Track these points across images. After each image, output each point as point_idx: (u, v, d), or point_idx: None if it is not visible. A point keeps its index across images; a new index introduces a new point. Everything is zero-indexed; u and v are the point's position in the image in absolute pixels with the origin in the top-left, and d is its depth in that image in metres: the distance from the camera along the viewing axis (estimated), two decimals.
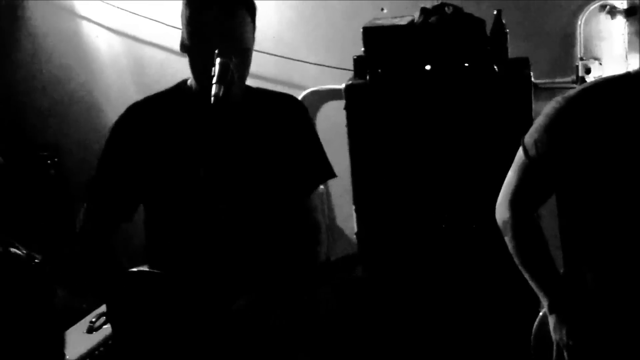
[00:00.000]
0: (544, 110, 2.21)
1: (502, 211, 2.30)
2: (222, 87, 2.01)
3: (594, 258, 2.22)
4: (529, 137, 2.21)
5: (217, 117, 2.02)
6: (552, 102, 2.20)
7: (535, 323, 2.41)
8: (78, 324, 3.75)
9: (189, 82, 2.30)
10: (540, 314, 2.38)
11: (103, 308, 3.83)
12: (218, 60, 2.05)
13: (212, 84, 2.01)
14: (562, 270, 2.31)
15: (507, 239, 2.31)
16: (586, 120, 2.10)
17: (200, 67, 2.16)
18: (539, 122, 2.21)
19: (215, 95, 1.99)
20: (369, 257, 3.39)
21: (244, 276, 2.25)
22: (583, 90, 2.18)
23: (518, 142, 3.08)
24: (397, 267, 3.39)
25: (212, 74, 2.04)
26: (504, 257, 3.12)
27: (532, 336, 2.42)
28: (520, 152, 2.24)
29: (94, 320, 3.73)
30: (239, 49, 2.15)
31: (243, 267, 2.27)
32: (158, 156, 2.26)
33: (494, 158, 3.18)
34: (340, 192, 3.93)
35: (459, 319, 3.37)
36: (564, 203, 2.27)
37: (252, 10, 2.22)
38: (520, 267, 2.31)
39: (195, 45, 2.16)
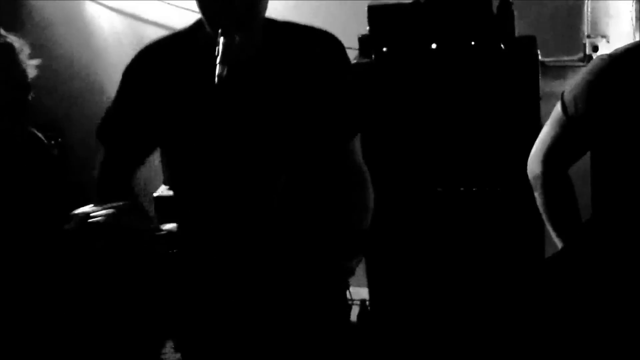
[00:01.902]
0: (587, 67, 2.18)
1: (534, 166, 2.28)
2: (226, 67, 1.93)
3: (625, 217, 2.18)
4: (569, 94, 2.17)
5: (223, 96, 1.96)
6: (595, 59, 2.18)
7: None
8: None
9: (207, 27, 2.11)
10: None
11: None
12: (221, 39, 1.98)
13: (215, 64, 1.94)
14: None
15: (536, 193, 2.29)
16: (629, 80, 2.06)
17: (207, 13, 2.04)
18: (580, 78, 2.17)
19: (219, 76, 1.92)
20: (371, 242, 3.37)
21: (281, 230, 2.16)
22: (627, 50, 2.14)
23: (525, 121, 3.11)
24: (400, 255, 3.37)
25: (216, 53, 1.96)
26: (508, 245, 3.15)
27: None
28: (557, 108, 2.21)
29: None
30: (254, 19, 2.04)
31: (280, 220, 2.16)
32: (173, 101, 2.14)
33: (502, 137, 3.17)
34: None
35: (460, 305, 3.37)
36: (599, 162, 2.23)
37: None
38: (547, 223, 2.29)
39: (207, 14, 2.04)
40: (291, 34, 2.19)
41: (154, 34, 4.09)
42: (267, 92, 2.13)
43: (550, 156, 2.24)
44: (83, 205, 2.18)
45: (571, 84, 2.20)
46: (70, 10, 4.35)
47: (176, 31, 2.23)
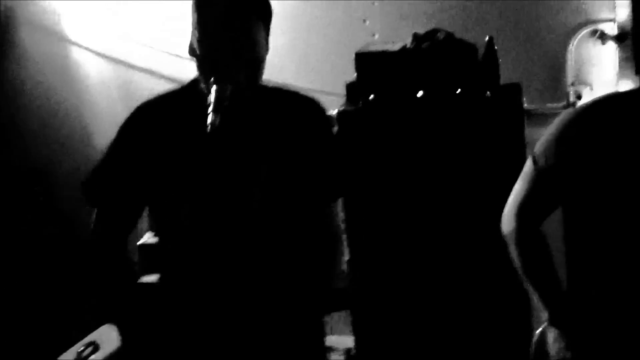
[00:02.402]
0: (555, 120, 2.20)
1: (508, 222, 2.28)
2: (219, 115, 1.97)
3: (598, 273, 2.20)
4: (538, 148, 2.19)
5: (214, 145, 1.99)
6: (563, 113, 2.19)
7: (535, 336, 2.38)
8: (66, 353, 3.72)
9: (201, 84, 2.18)
10: (541, 328, 2.35)
11: (90, 337, 3.81)
12: (214, 87, 2.01)
13: (208, 113, 1.98)
14: (565, 285, 2.30)
15: (511, 249, 2.28)
16: (596, 132, 2.09)
17: (207, 66, 2.08)
18: (549, 132, 2.20)
19: (212, 124, 1.96)
20: (360, 284, 3.36)
21: (260, 283, 2.20)
22: (595, 102, 2.18)
23: (511, 168, 3.11)
24: (388, 293, 3.36)
25: (208, 102, 2.00)
26: (495, 285, 3.15)
27: (531, 349, 2.39)
28: (529, 162, 2.22)
29: (81, 349, 3.69)
30: (247, 44, 2.08)
31: (260, 273, 2.21)
32: (167, 160, 2.17)
33: (486, 184, 3.18)
34: None
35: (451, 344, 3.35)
36: (571, 215, 2.24)
37: (264, 14, 2.16)
38: (523, 279, 2.29)
39: (203, 42, 2.08)
40: (280, 97, 2.27)
41: (141, 79, 4.19)
42: (255, 148, 2.18)
43: (523, 212, 2.24)
44: (69, 247, 2.23)
45: (541, 138, 2.22)
46: (56, 54, 4.36)
47: (169, 90, 2.28)
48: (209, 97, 2.01)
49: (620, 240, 2.14)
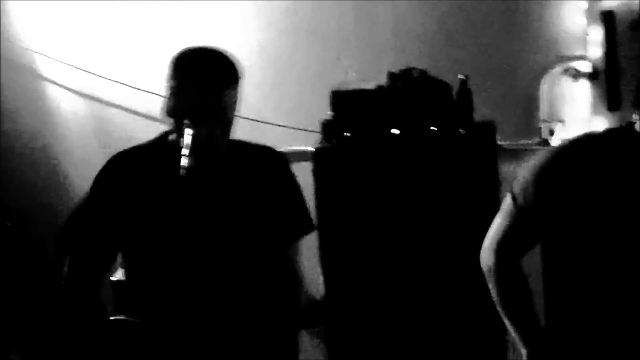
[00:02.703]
0: (534, 159, 2.22)
1: (486, 257, 2.28)
2: (193, 159, 2.00)
3: (576, 309, 2.21)
4: (517, 186, 2.21)
5: (188, 188, 2.01)
6: (542, 152, 2.21)
7: None
8: None
9: (170, 136, 2.26)
10: None
11: None
12: (188, 130, 2.05)
13: (181, 155, 2.01)
14: (543, 321, 2.31)
15: (490, 285, 2.29)
16: (574, 172, 2.11)
17: (180, 115, 2.14)
18: (527, 171, 2.21)
19: (186, 168, 2.00)
20: (335, 321, 3.35)
21: (224, 324, 2.25)
22: (571, 142, 2.20)
23: (485, 203, 3.15)
24: (365, 332, 3.35)
25: (181, 145, 2.04)
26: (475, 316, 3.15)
27: None
28: (507, 199, 2.23)
29: None
30: (221, 121, 2.17)
31: (223, 315, 2.25)
32: (140, 207, 2.24)
33: (461, 220, 3.19)
34: (307, 255, 3.91)
35: None
36: (550, 252, 2.25)
37: (236, 80, 2.23)
38: (502, 315, 2.29)
39: (178, 98, 2.15)
40: (242, 147, 2.35)
41: (115, 115, 4.18)
42: (223, 194, 2.25)
43: (502, 248, 2.25)
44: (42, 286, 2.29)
45: (520, 175, 2.24)
46: (31, 91, 4.34)
47: (141, 143, 2.35)
48: (181, 140, 2.05)
49: (598, 276, 2.16)
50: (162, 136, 2.32)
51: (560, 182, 2.13)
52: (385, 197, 3.25)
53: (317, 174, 3.27)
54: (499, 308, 2.30)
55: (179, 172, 2.05)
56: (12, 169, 4.42)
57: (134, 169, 2.28)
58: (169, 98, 2.19)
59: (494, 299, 2.30)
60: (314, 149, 3.28)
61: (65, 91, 4.32)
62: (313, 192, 3.27)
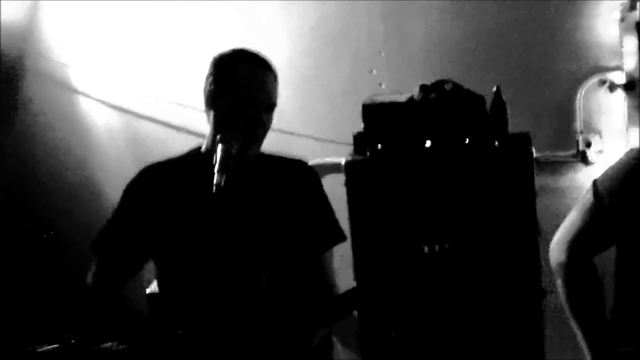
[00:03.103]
0: (620, 159, 2.19)
1: (558, 253, 2.24)
2: (224, 175, 2.02)
3: None
4: (603, 184, 2.17)
5: (219, 204, 2.02)
6: (630, 153, 2.18)
7: None
8: None
9: (202, 148, 2.34)
10: None
11: None
12: (220, 146, 2.07)
13: (214, 172, 2.03)
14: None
15: (559, 281, 2.24)
16: None
17: (231, 116, 2.22)
18: (615, 170, 2.18)
19: (217, 185, 2.02)
20: (371, 335, 3.33)
21: (256, 336, 2.24)
22: None
23: (521, 217, 3.10)
24: (399, 345, 3.32)
25: (214, 161, 2.07)
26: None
27: None
28: (589, 196, 2.20)
29: None
30: (269, 103, 2.28)
31: (255, 326, 2.26)
32: (171, 221, 2.29)
33: (497, 234, 3.15)
34: (339, 266, 3.89)
35: None
36: (626, 252, 2.20)
37: (276, 75, 2.35)
38: (568, 314, 2.24)
39: (230, 95, 2.23)
40: (273, 160, 2.43)
41: (148, 129, 4.19)
42: (255, 206, 2.31)
43: (576, 244, 2.20)
44: (75, 294, 2.31)
45: (605, 175, 2.19)
46: (64, 105, 4.37)
47: (176, 155, 2.42)
48: (214, 157, 2.08)
49: None
50: (194, 149, 2.36)
51: None
52: (419, 210, 3.21)
53: (349, 186, 3.25)
54: (566, 307, 2.23)
55: (211, 188, 2.07)
56: (47, 182, 4.45)
57: (164, 181, 2.33)
58: (209, 88, 2.27)
59: (561, 297, 2.24)
60: (346, 161, 3.26)
61: (99, 104, 4.33)
62: (346, 204, 3.26)
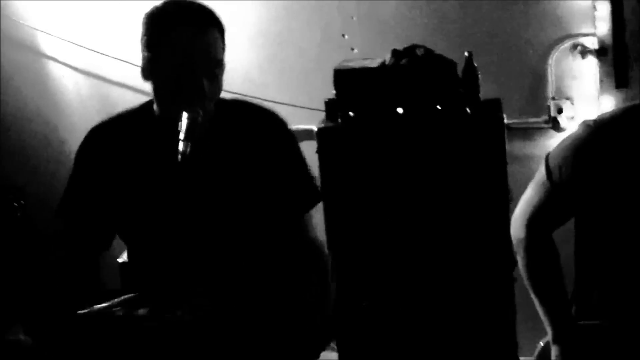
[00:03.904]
0: (572, 133, 2.18)
1: (516, 229, 2.26)
2: (190, 144, 1.94)
3: (608, 289, 2.19)
4: (554, 160, 2.17)
5: (184, 173, 1.96)
6: (581, 126, 2.18)
7: (537, 350, 2.34)
8: None
9: (154, 106, 2.18)
10: (542, 343, 2.32)
11: None
12: (185, 115, 1.98)
13: (179, 140, 1.94)
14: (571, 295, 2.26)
15: (519, 257, 2.27)
16: (615, 147, 2.07)
17: (170, 88, 2.06)
18: (565, 145, 2.18)
19: (183, 153, 1.93)
20: (344, 303, 3.33)
21: (236, 306, 2.16)
22: (613, 117, 2.16)
23: (492, 184, 3.11)
24: (372, 312, 3.33)
25: (179, 128, 1.97)
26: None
27: None
28: (542, 171, 2.21)
29: None
30: (213, 66, 2.08)
31: (233, 295, 2.17)
32: (130, 182, 2.17)
33: (468, 201, 3.16)
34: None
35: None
36: (583, 228, 2.22)
37: (221, 28, 2.14)
38: (528, 288, 2.26)
39: (166, 65, 2.06)
40: (237, 111, 2.25)
41: (119, 94, 4.14)
42: (220, 167, 2.17)
43: (533, 221, 2.22)
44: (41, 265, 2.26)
45: (556, 149, 2.19)
46: (33, 69, 4.31)
47: (122, 112, 2.28)
48: (179, 124, 1.98)
49: (633, 256, 2.12)
50: (145, 106, 2.21)
51: (599, 160, 2.08)
52: (391, 177, 3.21)
53: (321, 153, 3.23)
54: (526, 283, 2.26)
55: (174, 155, 1.97)
56: (14, 148, 4.40)
57: (118, 143, 2.18)
58: (146, 57, 2.10)
59: (521, 271, 2.25)
60: (317, 128, 3.24)
61: (68, 69, 4.28)
62: (318, 171, 3.25)
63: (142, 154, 2.16)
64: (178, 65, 2.03)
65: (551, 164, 2.17)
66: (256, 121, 2.25)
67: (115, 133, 2.22)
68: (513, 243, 2.28)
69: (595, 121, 2.16)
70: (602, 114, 2.20)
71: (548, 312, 2.23)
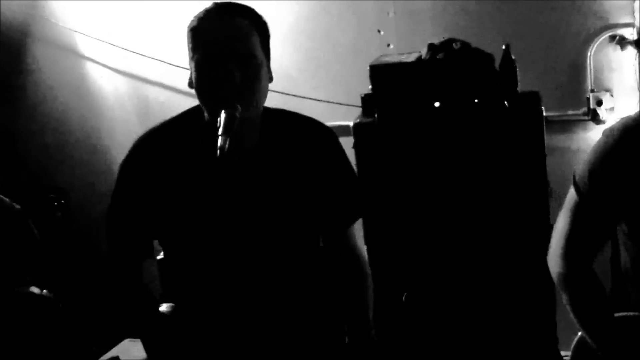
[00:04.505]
0: (594, 146, 2.11)
1: (555, 263, 2.18)
2: (228, 139, 1.90)
3: None
4: (580, 174, 2.10)
5: (223, 170, 1.93)
6: (602, 136, 2.10)
7: (574, 343, 2.27)
8: None
9: (205, 115, 2.12)
10: (578, 335, 2.25)
11: (112, 352, 3.80)
12: (223, 112, 1.95)
13: (217, 135, 1.91)
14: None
15: (562, 293, 2.18)
16: None
17: (203, 83, 2.02)
18: (589, 157, 2.10)
19: (221, 148, 1.88)
20: (383, 297, 3.32)
21: (276, 312, 2.18)
22: (636, 119, 2.08)
23: (531, 177, 3.08)
24: (411, 308, 3.32)
25: (218, 124, 1.94)
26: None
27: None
28: (571, 193, 2.13)
29: None
30: (243, 57, 2.00)
31: (280, 311, 2.19)
32: (177, 189, 2.12)
33: (507, 195, 3.14)
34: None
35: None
36: (619, 231, 2.15)
37: (256, 22, 2.07)
38: (576, 323, 2.18)
39: (198, 62, 2.02)
40: (286, 122, 2.21)
41: (157, 94, 4.17)
42: (267, 179, 2.13)
43: (571, 250, 2.13)
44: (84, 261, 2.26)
45: (581, 165, 2.11)
46: (71, 71, 4.36)
47: (171, 117, 2.23)
48: (218, 120, 1.95)
49: None
50: (193, 110, 2.17)
51: (627, 163, 2.01)
52: (428, 171, 3.19)
53: (358, 148, 3.22)
54: (572, 315, 2.17)
55: (215, 152, 1.92)
56: (56, 149, 4.46)
57: (166, 150, 2.14)
58: (190, 67, 2.05)
59: (566, 306, 2.17)
60: (354, 124, 3.24)
61: (106, 70, 4.32)
62: (355, 167, 3.24)
63: (190, 160, 2.12)
64: (206, 57, 2.00)
65: (578, 180, 2.08)
66: (305, 132, 2.22)
67: (163, 141, 2.17)
68: (554, 279, 2.20)
69: (616, 127, 2.09)
70: (623, 119, 2.12)
71: (598, 344, 2.14)
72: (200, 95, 2.06)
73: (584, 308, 2.16)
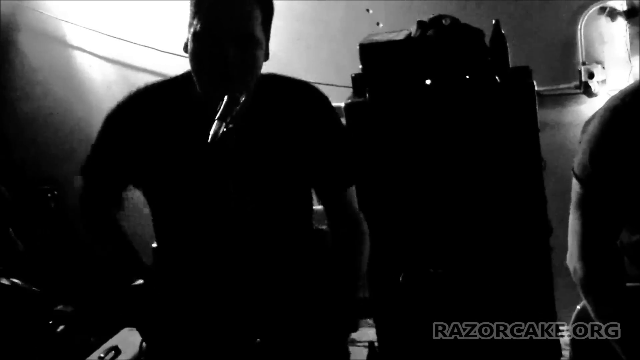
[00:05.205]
0: (588, 128, 2.07)
1: (574, 266, 2.11)
2: (223, 124, 1.86)
3: None
4: (578, 163, 2.05)
5: (215, 151, 1.91)
6: (596, 118, 2.05)
7: (574, 314, 2.23)
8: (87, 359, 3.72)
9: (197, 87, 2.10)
10: (579, 307, 2.20)
11: (111, 342, 3.80)
12: (226, 97, 1.91)
13: (214, 120, 1.87)
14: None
15: (585, 301, 2.12)
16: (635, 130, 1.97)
17: (197, 58, 2.00)
18: (583, 146, 2.05)
19: (215, 133, 1.84)
20: (379, 277, 3.32)
21: (272, 283, 2.17)
22: (626, 95, 2.03)
23: (525, 152, 3.07)
24: (402, 286, 3.31)
25: (217, 108, 1.91)
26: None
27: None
28: (574, 188, 2.07)
29: (102, 355, 3.68)
30: (242, 36, 1.99)
31: (276, 272, 2.18)
32: (160, 154, 2.12)
33: (500, 170, 3.13)
34: None
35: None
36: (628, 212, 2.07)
37: (260, 4, 2.05)
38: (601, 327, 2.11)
39: (194, 35, 2.00)
40: (278, 87, 2.20)
41: (146, 81, 4.12)
42: (259, 146, 2.13)
43: (588, 255, 2.07)
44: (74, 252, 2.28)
45: (577, 155, 2.07)
46: (59, 59, 4.33)
47: (166, 79, 2.22)
48: (220, 103, 1.91)
49: None
50: (188, 75, 2.11)
51: (623, 142, 1.97)
52: (421, 149, 3.18)
53: (350, 128, 3.20)
54: (594, 317, 2.11)
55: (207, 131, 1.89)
56: (45, 138, 4.44)
57: (156, 112, 2.14)
58: (189, 32, 2.03)
59: (589, 309, 2.11)
60: (345, 104, 3.22)
61: (94, 58, 4.30)
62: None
63: (178, 127, 2.12)
64: (204, 31, 1.98)
65: (578, 168, 2.03)
66: (298, 95, 2.21)
67: (153, 101, 2.16)
68: (575, 283, 2.12)
69: (606, 108, 2.04)
70: (616, 95, 2.07)
71: (622, 347, 2.08)
72: (193, 67, 2.05)
73: (605, 311, 2.09)
